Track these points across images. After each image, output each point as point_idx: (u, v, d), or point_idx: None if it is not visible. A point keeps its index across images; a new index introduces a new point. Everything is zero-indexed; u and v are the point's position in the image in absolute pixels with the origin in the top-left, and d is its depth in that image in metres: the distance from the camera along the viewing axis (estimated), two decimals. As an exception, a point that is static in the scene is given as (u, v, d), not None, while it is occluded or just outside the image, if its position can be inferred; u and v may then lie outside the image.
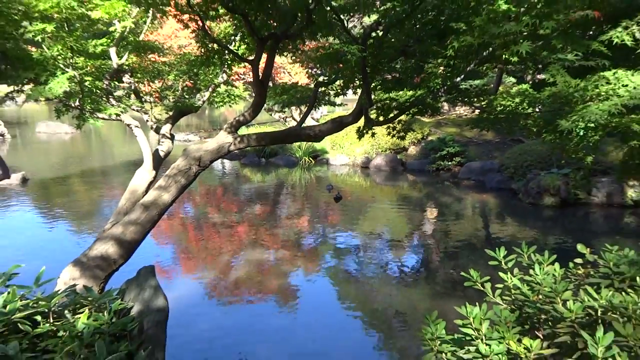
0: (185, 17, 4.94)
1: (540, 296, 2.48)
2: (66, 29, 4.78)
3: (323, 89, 5.95)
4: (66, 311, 2.97)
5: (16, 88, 5.44)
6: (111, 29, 5.66)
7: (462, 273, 2.83)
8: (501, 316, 2.36)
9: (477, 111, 5.38)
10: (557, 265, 2.75)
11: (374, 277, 7.14)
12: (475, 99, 5.12)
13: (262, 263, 7.52)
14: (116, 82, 6.12)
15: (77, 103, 5.20)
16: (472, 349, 2.24)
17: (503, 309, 2.45)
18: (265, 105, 5.95)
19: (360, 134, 5.53)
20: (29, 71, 4.88)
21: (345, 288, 6.86)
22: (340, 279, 7.10)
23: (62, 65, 4.87)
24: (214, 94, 6.82)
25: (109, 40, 5.67)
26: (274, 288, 6.69)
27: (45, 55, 4.93)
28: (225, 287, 6.75)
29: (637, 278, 2.40)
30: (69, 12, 4.57)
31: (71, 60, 4.89)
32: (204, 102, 6.66)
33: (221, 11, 4.83)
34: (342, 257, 7.97)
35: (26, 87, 5.36)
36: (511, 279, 2.68)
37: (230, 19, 5.47)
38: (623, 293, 2.42)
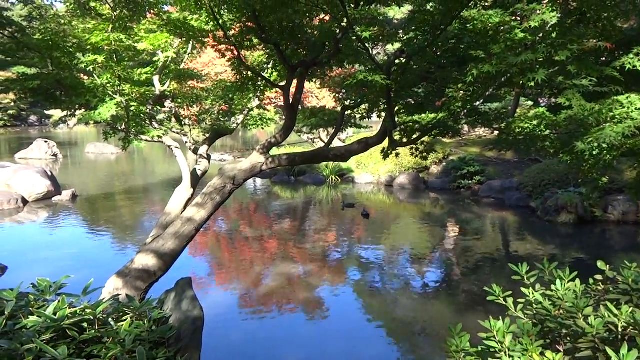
0: (222, 47, 5.05)
1: (562, 311, 2.40)
2: (115, 59, 4.92)
3: (349, 112, 5.97)
4: (110, 319, 3.01)
5: (69, 113, 5.61)
6: (155, 58, 5.82)
7: (485, 288, 2.76)
8: (524, 329, 2.29)
9: (496, 132, 5.30)
10: (577, 281, 2.66)
11: (398, 290, 7.04)
12: (494, 122, 5.05)
13: (291, 275, 7.50)
14: (158, 107, 6.26)
15: (123, 126, 5.33)
16: (494, 362, 2.17)
17: (525, 323, 2.37)
18: (295, 127, 5.98)
19: (385, 154, 5.51)
20: (80, 97, 5.04)
21: (369, 300, 6.77)
22: (364, 291, 7.02)
23: (110, 92, 5.01)
24: (248, 117, 6.91)
25: (153, 69, 5.83)
26: (301, 299, 6.66)
27: (95, 83, 5.09)
28: (256, 297, 6.75)
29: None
30: (118, 44, 4.72)
31: (119, 88, 5.03)
32: (238, 124, 6.75)
33: (255, 41, 4.92)
34: (367, 271, 7.89)
35: (78, 112, 5.51)
36: (533, 293, 2.60)
37: (264, 49, 5.56)
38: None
